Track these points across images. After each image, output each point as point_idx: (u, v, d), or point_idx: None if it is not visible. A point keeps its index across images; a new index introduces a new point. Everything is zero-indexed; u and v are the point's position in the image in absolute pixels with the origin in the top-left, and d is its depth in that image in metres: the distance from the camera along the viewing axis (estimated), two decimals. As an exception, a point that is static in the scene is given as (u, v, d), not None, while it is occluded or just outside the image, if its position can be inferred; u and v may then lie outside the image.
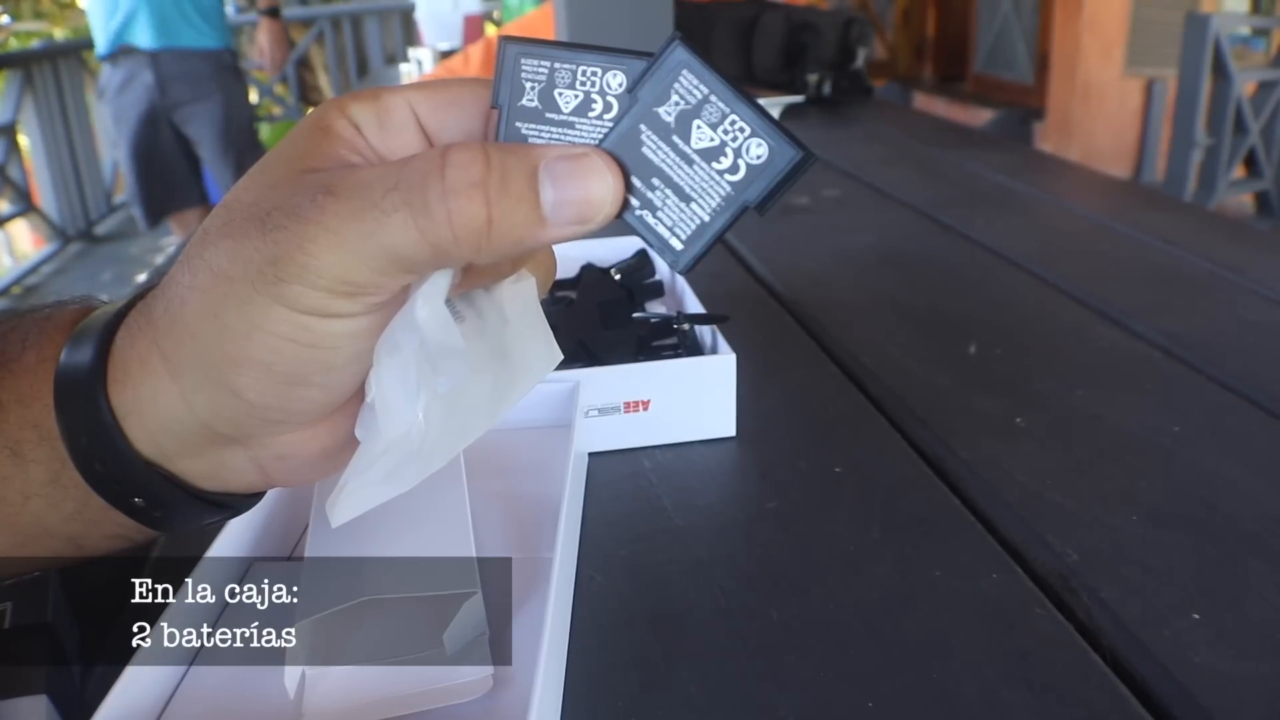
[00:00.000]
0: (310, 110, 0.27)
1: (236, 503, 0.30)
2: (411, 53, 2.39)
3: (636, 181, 0.24)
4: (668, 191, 0.24)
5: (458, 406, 0.27)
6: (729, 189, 0.24)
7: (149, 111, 2.91)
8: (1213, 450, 0.50)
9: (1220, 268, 0.79)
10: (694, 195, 0.24)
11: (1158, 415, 0.54)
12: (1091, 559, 0.41)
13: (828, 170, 1.24)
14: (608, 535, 0.44)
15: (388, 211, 0.23)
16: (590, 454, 0.51)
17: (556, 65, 0.25)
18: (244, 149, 3.01)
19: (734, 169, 0.24)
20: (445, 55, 2.11)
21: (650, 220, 0.25)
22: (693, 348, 0.56)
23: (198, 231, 0.26)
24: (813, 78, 1.66)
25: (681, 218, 0.24)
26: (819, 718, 0.33)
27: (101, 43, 2.82)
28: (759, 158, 0.24)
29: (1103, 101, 3.93)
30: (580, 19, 1.38)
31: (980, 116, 4.30)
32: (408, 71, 2.24)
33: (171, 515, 0.29)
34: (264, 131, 6.08)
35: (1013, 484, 0.47)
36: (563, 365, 0.52)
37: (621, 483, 0.48)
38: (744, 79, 1.68)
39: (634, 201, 0.25)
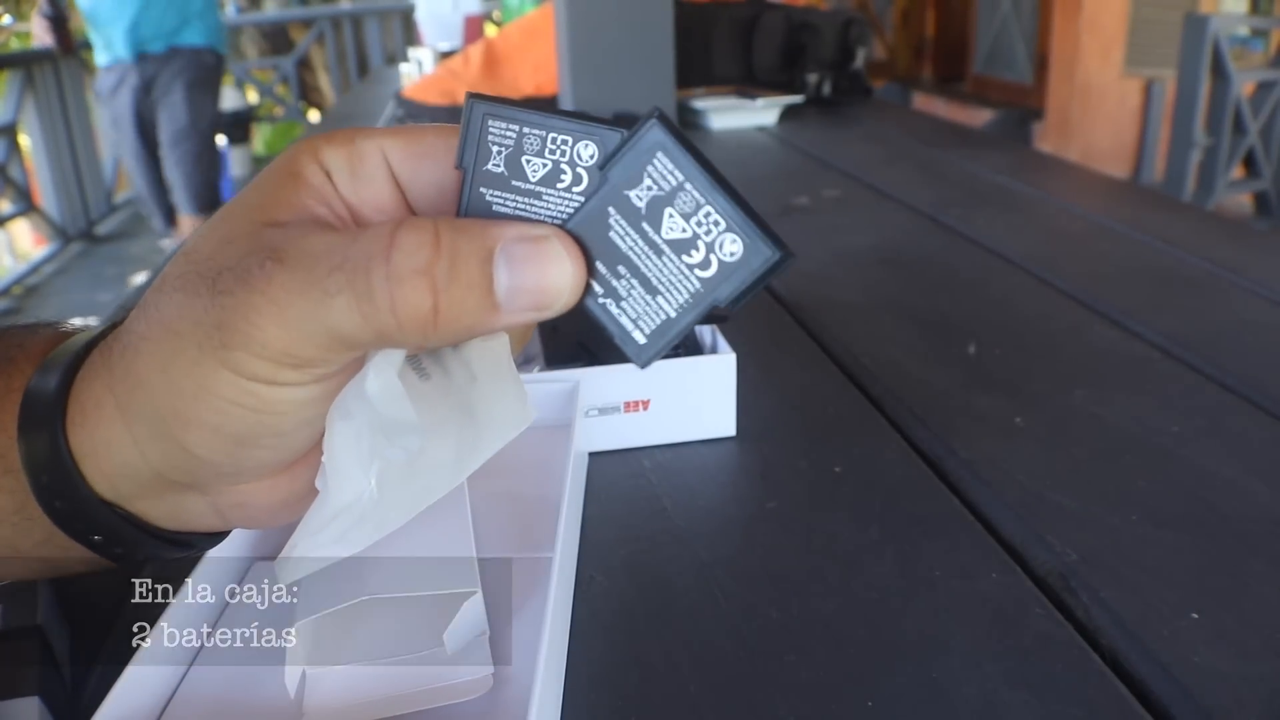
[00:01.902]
0: (286, 149, 0.27)
1: (198, 541, 0.30)
2: (411, 53, 2.39)
3: (601, 268, 0.23)
4: (634, 282, 0.23)
5: (418, 469, 0.26)
6: (699, 285, 0.22)
7: (137, 113, 2.92)
8: (1212, 450, 0.50)
9: (1219, 268, 0.79)
10: (661, 289, 0.23)
11: (1157, 415, 0.54)
12: (1091, 559, 0.41)
13: (827, 170, 1.24)
14: (608, 535, 0.44)
15: (331, 293, 0.22)
16: (590, 454, 0.51)
17: (525, 130, 0.23)
18: (191, 151, 2.97)
19: (705, 264, 0.22)
20: (445, 55, 2.11)
21: (614, 310, 0.23)
22: (693, 347, 0.56)
23: (158, 277, 0.25)
24: (812, 78, 1.67)
25: (647, 310, 0.23)
26: (819, 718, 0.33)
27: (106, 47, 2.82)
28: (732, 255, 0.22)
29: (1102, 102, 3.93)
30: (580, 19, 1.38)
31: (980, 117, 4.30)
32: (407, 72, 2.24)
33: (133, 552, 0.28)
34: (264, 132, 6.08)
35: (1012, 484, 0.48)
36: (563, 365, 0.52)
37: (621, 483, 0.48)
38: (744, 79, 1.68)
39: (597, 288, 0.23)
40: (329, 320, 0.22)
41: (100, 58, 2.88)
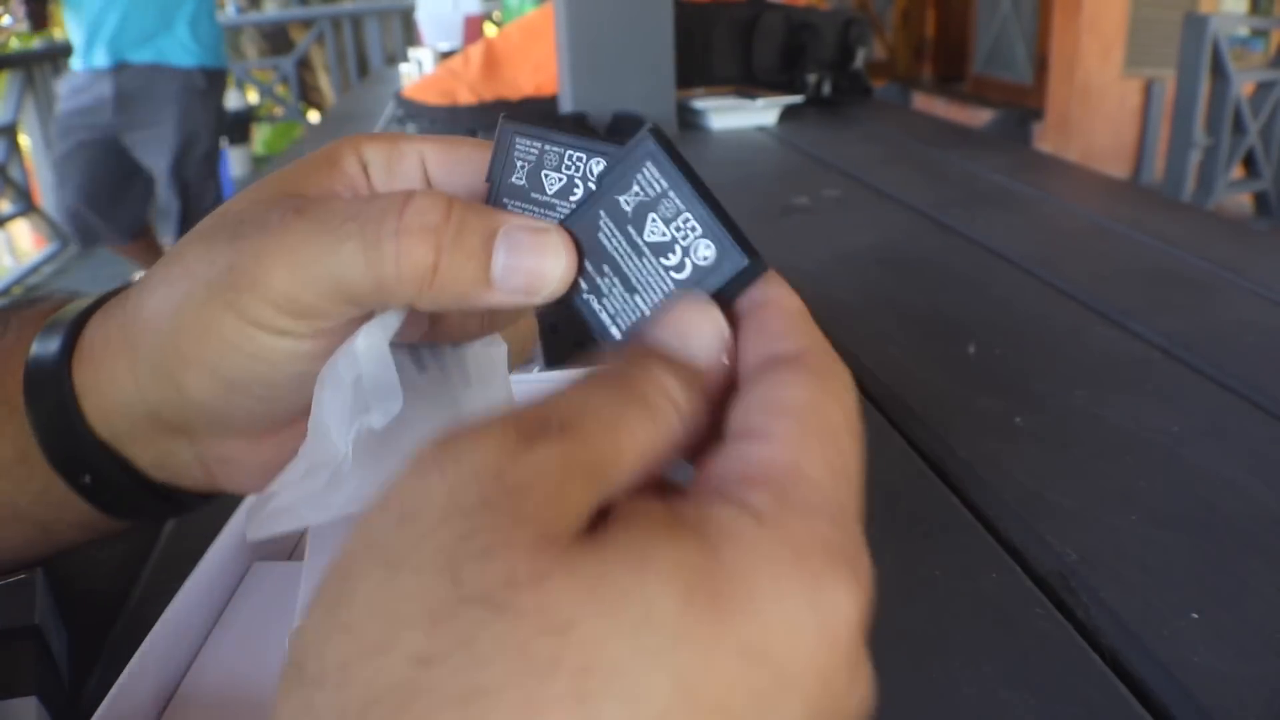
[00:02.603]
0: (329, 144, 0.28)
1: (184, 499, 0.31)
2: (411, 53, 2.39)
3: (588, 265, 0.24)
4: (615, 280, 0.24)
5: (395, 450, 0.26)
6: (672, 286, 0.23)
7: (99, 129, 2.54)
8: (1212, 450, 0.50)
9: (1219, 268, 0.79)
10: (639, 287, 0.24)
11: (1157, 415, 0.54)
12: (1091, 559, 0.41)
13: (827, 170, 1.24)
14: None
15: (341, 238, 0.23)
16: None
17: (546, 147, 0.25)
18: (194, 180, 2.63)
19: (680, 267, 0.23)
20: (445, 55, 2.11)
21: (595, 305, 0.25)
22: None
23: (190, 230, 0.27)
24: (812, 78, 1.66)
25: (624, 308, 0.24)
26: (819, 717, 0.33)
27: (92, 54, 2.49)
28: (705, 259, 0.23)
29: (1102, 102, 3.93)
30: (580, 19, 1.38)
31: (979, 117, 4.30)
32: (407, 72, 2.24)
33: (120, 498, 0.29)
34: (264, 132, 6.08)
35: (1012, 484, 0.48)
36: (563, 366, 0.52)
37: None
38: (744, 79, 1.68)
39: (583, 284, 0.25)
40: (334, 266, 0.23)
41: (75, 60, 2.54)
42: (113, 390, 0.27)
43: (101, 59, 2.49)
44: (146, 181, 2.66)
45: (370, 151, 0.27)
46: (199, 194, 2.68)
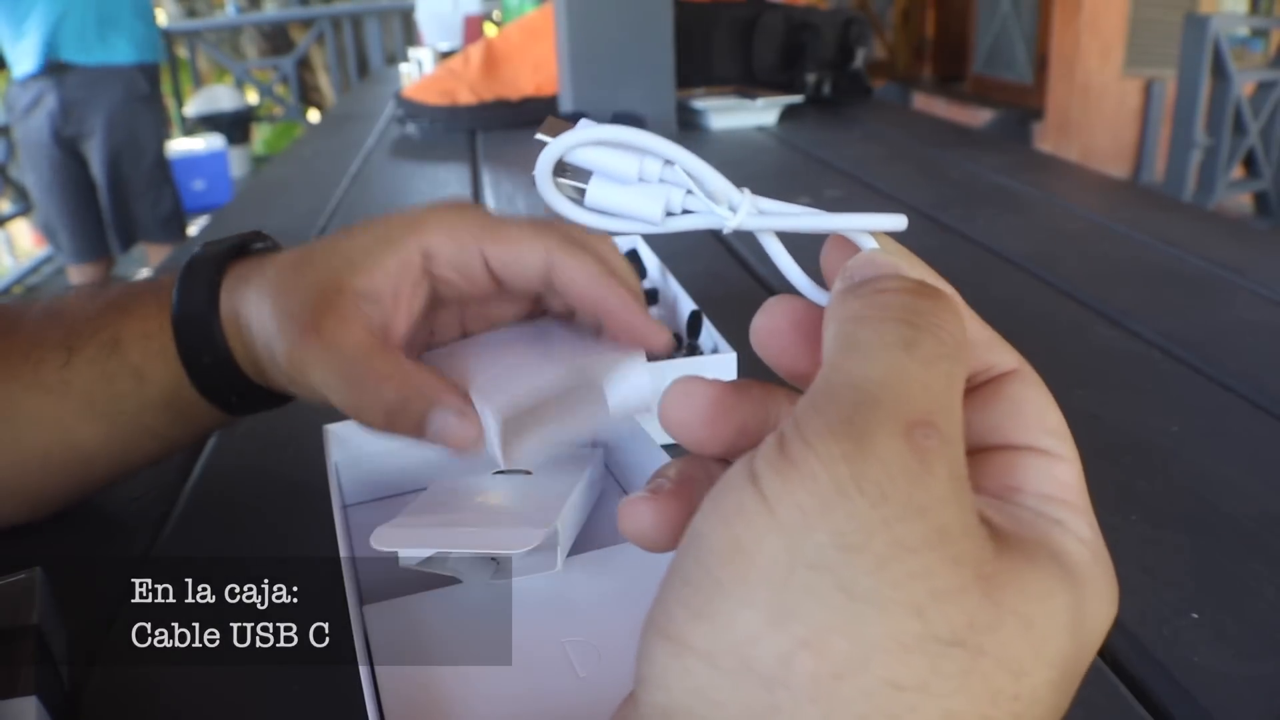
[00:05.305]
0: (408, 227, 0.36)
1: (270, 400, 0.42)
2: (411, 53, 2.38)
3: None
4: None
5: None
6: None
7: (53, 140, 2.43)
8: (1212, 450, 0.50)
9: (1219, 268, 0.79)
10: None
11: (1157, 415, 0.54)
12: (1091, 559, 0.41)
13: (827, 170, 1.24)
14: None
15: (339, 379, 0.35)
16: (590, 454, 0.51)
17: None
18: (134, 188, 2.49)
19: None
20: (445, 55, 2.11)
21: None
22: (693, 348, 0.56)
23: (301, 249, 0.38)
24: (812, 78, 1.66)
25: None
26: (819, 717, 0.33)
27: (19, 60, 2.35)
28: None
29: (1102, 102, 3.93)
30: (580, 19, 1.38)
31: (980, 117, 4.30)
32: (407, 72, 2.24)
33: (255, 406, 0.41)
34: (264, 132, 6.08)
35: (1012, 484, 0.47)
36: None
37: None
38: (744, 79, 1.68)
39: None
40: (326, 391, 0.35)
41: (14, 68, 2.41)
42: (251, 339, 0.37)
43: (38, 65, 2.36)
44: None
45: (434, 242, 0.35)
46: (142, 202, 2.55)
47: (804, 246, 0.23)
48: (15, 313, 0.42)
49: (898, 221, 0.20)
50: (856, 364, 0.17)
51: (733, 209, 0.21)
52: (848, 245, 0.21)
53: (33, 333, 0.41)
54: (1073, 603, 0.17)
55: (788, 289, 0.24)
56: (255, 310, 0.37)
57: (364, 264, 0.35)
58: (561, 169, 0.22)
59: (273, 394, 0.41)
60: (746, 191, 0.21)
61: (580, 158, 0.21)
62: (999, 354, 0.21)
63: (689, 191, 0.21)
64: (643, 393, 0.34)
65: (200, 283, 0.39)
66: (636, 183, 0.21)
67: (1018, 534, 0.18)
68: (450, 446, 0.33)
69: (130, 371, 0.39)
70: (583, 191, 0.22)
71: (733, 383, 0.22)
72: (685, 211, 0.21)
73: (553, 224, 0.36)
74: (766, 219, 0.21)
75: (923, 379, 0.17)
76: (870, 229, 0.20)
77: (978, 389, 0.21)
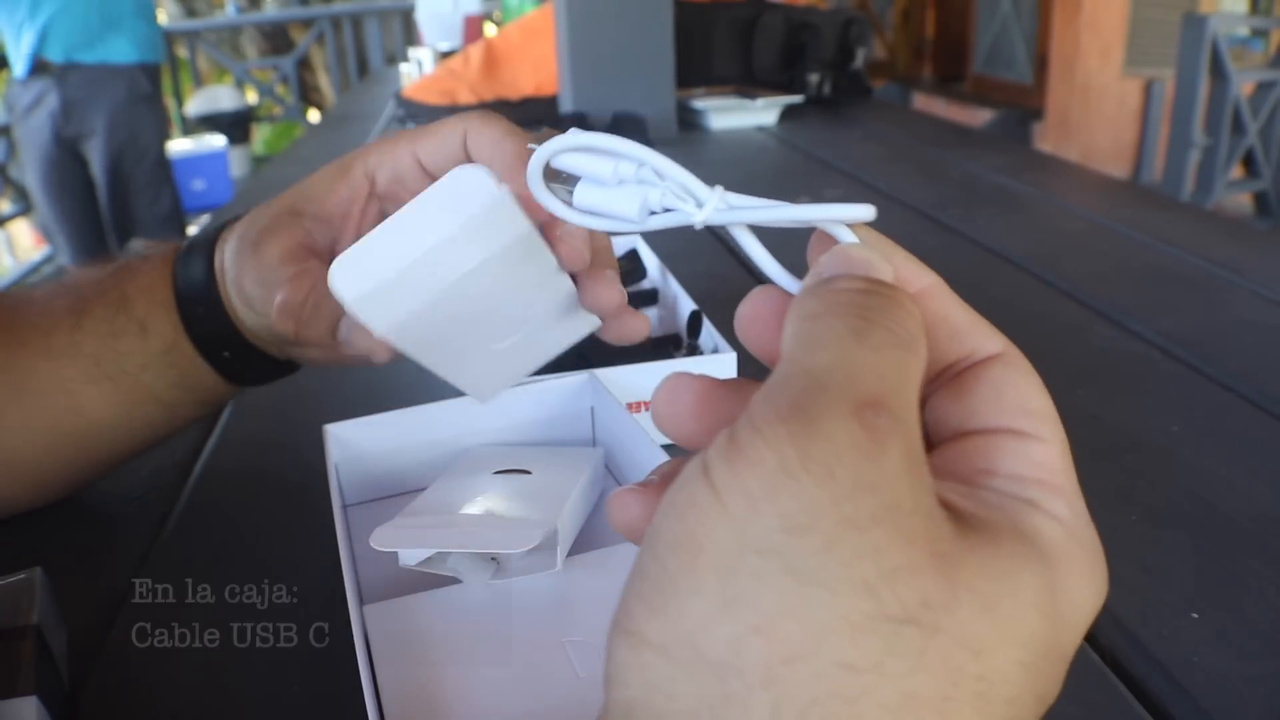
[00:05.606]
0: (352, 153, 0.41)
1: (294, 366, 0.45)
2: (411, 53, 2.38)
3: None
4: None
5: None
6: None
7: (54, 140, 2.43)
8: (1212, 450, 0.50)
9: (1219, 268, 0.79)
10: None
11: (1156, 415, 0.54)
12: (1091, 559, 0.41)
13: (827, 170, 1.24)
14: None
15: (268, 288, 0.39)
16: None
17: None
18: (135, 187, 2.48)
19: None
20: (445, 55, 2.11)
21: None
22: (693, 348, 0.56)
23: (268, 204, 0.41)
24: (812, 78, 1.66)
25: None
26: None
27: (20, 60, 2.35)
28: None
29: (1101, 102, 3.93)
30: (580, 19, 1.38)
31: (980, 117, 4.30)
32: (407, 72, 2.24)
33: (247, 368, 0.43)
34: (264, 132, 6.08)
35: (1012, 484, 0.47)
36: (563, 366, 0.52)
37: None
38: (744, 79, 1.68)
39: None
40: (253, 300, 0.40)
41: (15, 67, 2.40)
42: (227, 281, 0.41)
43: (40, 62, 2.35)
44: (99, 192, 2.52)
45: (375, 160, 0.39)
46: (142, 201, 2.55)
47: (801, 246, 0.23)
48: (25, 290, 0.46)
49: (865, 211, 0.20)
50: (808, 354, 0.17)
51: (700, 205, 0.22)
52: (831, 239, 0.22)
53: (44, 302, 0.43)
54: (1043, 583, 0.17)
55: (787, 287, 0.24)
56: (229, 249, 0.41)
57: (316, 192, 0.40)
58: (555, 174, 0.23)
59: (265, 357, 0.43)
60: (718, 188, 0.22)
61: (564, 163, 0.22)
62: (981, 339, 0.20)
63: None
64: (490, 191, 0.29)
65: (201, 240, 0.42)
66: (616, 184, 0.22)
67: (983, 516, 0.17)
68: (361, 351, 0.36)
69: (136, 326, 0.42)
70: (573, 194, 0.23)
71: (722, 379, 0.22)
72: (665, 210, 0.22)
73: (478, 112, 0.39)
74: (734, 213, 0.22)
75: (873, 364, 0.17)
76: (837, 219, 0.21)
77: (959, 375, 0.20)
